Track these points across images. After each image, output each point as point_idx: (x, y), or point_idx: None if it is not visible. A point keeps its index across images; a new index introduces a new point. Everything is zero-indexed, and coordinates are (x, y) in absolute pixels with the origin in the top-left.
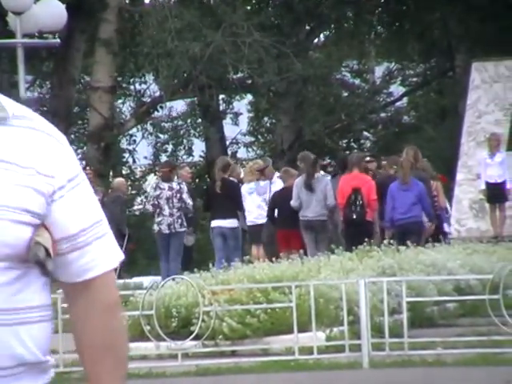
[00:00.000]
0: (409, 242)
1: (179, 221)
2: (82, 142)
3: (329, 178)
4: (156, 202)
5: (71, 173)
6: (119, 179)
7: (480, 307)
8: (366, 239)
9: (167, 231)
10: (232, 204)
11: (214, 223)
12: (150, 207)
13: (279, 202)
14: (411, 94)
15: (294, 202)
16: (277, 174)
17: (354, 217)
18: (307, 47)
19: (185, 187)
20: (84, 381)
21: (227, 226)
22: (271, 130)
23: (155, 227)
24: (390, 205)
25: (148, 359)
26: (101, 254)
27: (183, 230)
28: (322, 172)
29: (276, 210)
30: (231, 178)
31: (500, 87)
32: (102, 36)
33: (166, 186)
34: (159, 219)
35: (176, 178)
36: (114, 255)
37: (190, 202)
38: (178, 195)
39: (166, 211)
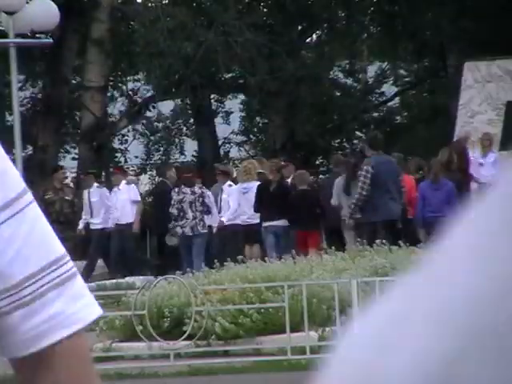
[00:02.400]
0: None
1: (201, 223)
2: (75, 142)
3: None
4: (180, 206)
5: (9, 193)
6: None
7: None
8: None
9: (191, 233)
10: (284, 204)
11: (267, 223)
12: (175, 211)
13: (297, 203)
14: (404, 94)
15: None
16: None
17: None
18: (299, 47)
19: (207, 191)
20: None
21: (281, 224)
22: (263, 129)
23: (178, 230)
24: (420, 203)
25: (140, 359)
26: (61, 310)
27: (205, 231)
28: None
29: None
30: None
31: (493, 87)
32: (94, 35)
33: (188, 190)
34: (182, 222)
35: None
36: (85, 311)
37: (212, 207)
38: (201, 199)
39: (190, 215)
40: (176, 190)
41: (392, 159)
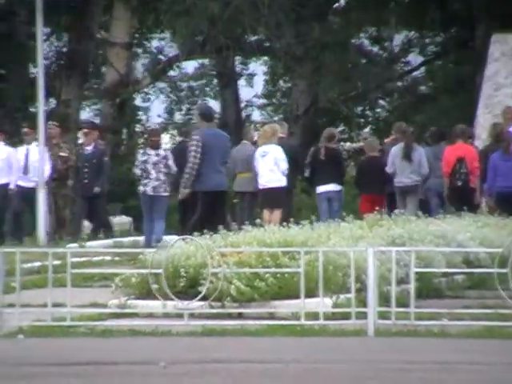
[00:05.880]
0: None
1: (164, 186)
2: (98, 98)
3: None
4: (143, 167)
5: None
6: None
7: (488, 280)
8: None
9: (152, 193)
10: (336, 170)
11: (321, 189)
12: (138, 171)
13: (366, 168)
14: (429, 64)
15: (389, 169)
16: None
17: (459, 184)
18: (327, 11)
19: (170, 154)
20: (91, 336)
21: (332, 189)
22: (287, 93)
23: (141, 188)
24: (491, 174)
25: (154, 317)
26: None
27: (166, 194)
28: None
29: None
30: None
31: None
32: None
33: (153, 152)
34: (145, 181)
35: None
36: None
37: (174, 168)
38: (164, 161)
39: (153, 175)
40: (141, 151)
41: (222, 133)
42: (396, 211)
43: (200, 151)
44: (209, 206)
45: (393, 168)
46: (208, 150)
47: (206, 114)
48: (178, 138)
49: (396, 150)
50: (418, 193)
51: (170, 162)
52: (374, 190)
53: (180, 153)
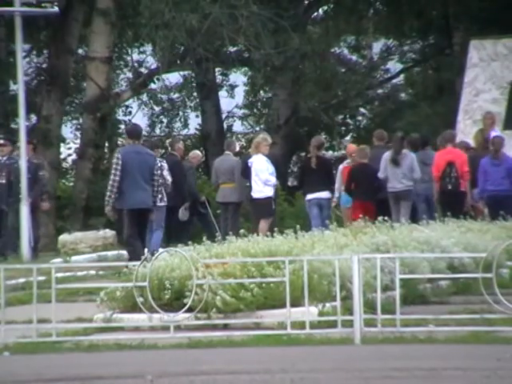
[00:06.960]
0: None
1: (160, 196)
2: (78, 113)
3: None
4: None
5: None
6: (196, 151)
7: (473, 285)
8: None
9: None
10: (326, 178)
11: (311, 196)
12: None
13: (357, 176)
14: (408, 71)
15: (381, 174)
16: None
17: (449, 187)
18: (305, 22)
19: (165, 165)
20: (77, 351)
21: (323, 197)
22: (267, 103)
23: None
24: (481, 178)
25: (140, 330)
26: None
27: (163, 204)
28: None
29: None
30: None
31: (498, 66)
32: (100, 6)
33: None
34: None
35: (169, 150)
36: None
37: (169, 178)
38: (159, 172)
39: None
40: None
41: (146, 151)
42: (379, 218)
43: (120, 169)
44: (134, 223)
45: (385, 173)
46: (129, 168)
47: (129, 132)
48: (161, 150)
49: (387, 156)
50: (410, 198)
51: (165, 173)
52: (366, 197)
53: (170, 167)
